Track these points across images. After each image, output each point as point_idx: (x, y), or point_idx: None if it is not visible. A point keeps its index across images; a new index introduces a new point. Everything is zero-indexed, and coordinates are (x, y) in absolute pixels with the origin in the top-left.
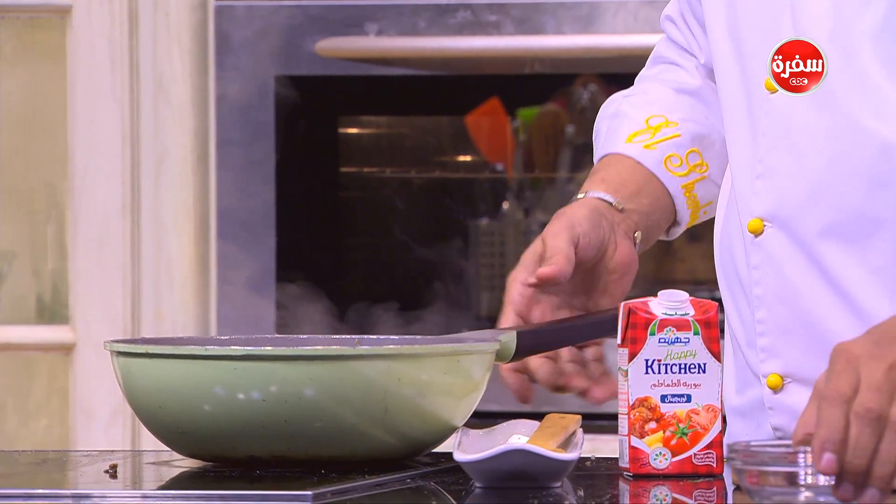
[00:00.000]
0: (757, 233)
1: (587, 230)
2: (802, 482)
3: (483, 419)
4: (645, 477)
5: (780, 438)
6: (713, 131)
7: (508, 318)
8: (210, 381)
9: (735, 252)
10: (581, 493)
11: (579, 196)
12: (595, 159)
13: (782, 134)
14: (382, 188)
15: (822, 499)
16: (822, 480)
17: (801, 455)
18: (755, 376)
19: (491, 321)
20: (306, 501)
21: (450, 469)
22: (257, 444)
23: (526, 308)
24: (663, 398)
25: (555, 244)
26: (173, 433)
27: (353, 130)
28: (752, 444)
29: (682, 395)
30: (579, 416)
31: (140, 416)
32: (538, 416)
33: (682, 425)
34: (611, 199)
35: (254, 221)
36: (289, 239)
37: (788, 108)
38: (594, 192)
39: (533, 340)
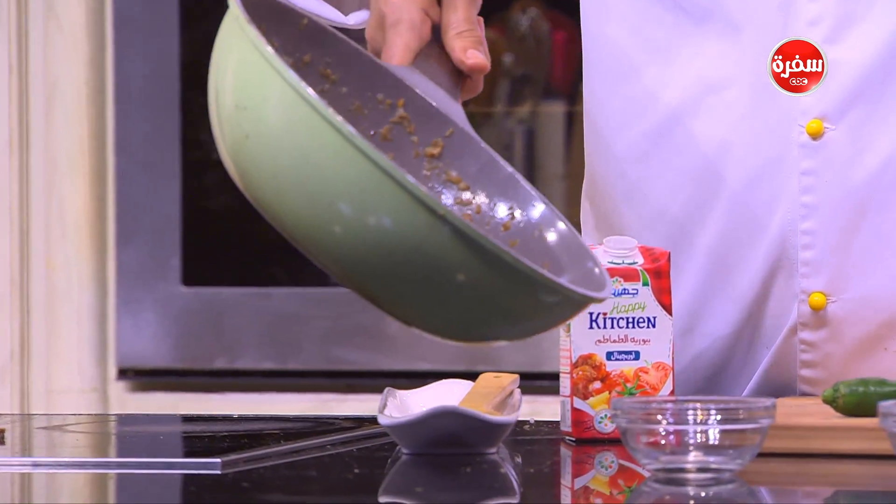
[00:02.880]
0: (816, 135)
1: None
2: (692, 442)
3: (411, 379)
4: (589, 441)
5: (806, 356)
6: None
7: (410, 46)
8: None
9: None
10: (519, 459)
11: None
12: None
13: (845, 24)
14: None
15: (711, 459)
16: (713, 440)
17: (692, 412)
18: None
19: None
20: (215, 469)
21: (374, 434)
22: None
23: (425, 38)
24: (609, 355)
25: (467, 15)
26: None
27: None
28: (638, 401)
29: (629, 352)
30: (517, 376)
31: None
32: (472, 376)
33: (629, 385)
34: None
35: (157, 160)
36: (196, 178)
37: None
38: None
39: None
